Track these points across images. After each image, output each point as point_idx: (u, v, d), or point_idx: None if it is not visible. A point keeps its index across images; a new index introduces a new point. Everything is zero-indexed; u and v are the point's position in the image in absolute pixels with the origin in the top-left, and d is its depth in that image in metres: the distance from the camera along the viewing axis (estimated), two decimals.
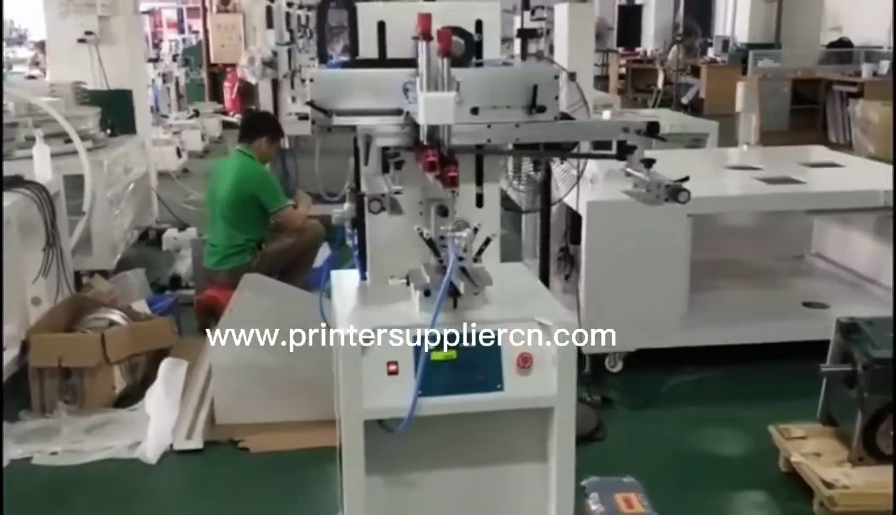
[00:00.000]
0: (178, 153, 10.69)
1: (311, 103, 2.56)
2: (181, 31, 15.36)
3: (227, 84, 15.64)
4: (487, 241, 2.47)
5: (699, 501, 3.34)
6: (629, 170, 2.46)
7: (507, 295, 2.59)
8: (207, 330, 4.35)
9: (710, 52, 18.85)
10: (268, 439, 3.80)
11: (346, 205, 2.92)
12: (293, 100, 7.69)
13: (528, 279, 2.87)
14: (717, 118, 8.35)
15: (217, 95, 16.04)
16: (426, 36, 2.37)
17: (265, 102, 7.52)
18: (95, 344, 4.02)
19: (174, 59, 13.61)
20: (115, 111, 6.84)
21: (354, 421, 2.44)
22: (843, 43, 13.81)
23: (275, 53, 7.27)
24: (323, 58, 2.66)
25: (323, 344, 4.32)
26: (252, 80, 7.40)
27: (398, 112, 2.62)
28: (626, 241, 4.19)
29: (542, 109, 2.60)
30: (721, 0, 20.44)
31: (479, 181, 2.76)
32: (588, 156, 3.52)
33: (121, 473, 3.59)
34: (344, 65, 2.67)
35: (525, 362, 2.46)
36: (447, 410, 2.46)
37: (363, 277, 2.88)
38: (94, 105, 6.52)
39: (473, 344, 2.47)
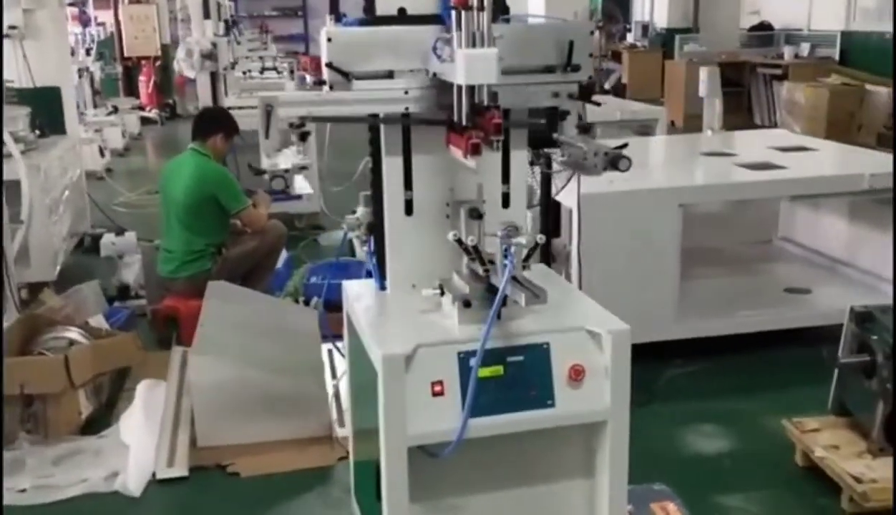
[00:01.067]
0: (101, 152, 10.12)
1: (329, 65, 2.32)
2: (84, 23, 14.62)
3: (142, 78, 14.98)
4: (536, 246, 2.27)
5: (725, 503, 3.23)
6: (563, 138, 2.26)
7: (548, 302, 2.40)
8: (180, 347, 4.06)
9: (630, 38, 19.01)
10: (258, 461, 3.53)
11: (361, 209, 2.69)
12: (225, 93, 7.36)
13: (561, 282, 2.70)
14: (641, 103, 8.35)
15: (132, 90, 15.36)
16: (464, 5, 2.16)
17: (203, 97, 7.16)
18: (58, 366, 3.67)
19: (88, 52, 12.88)
20: (44, 110, 6.37)
21: (398, 448, 2.23)
22: (764, 26, 14.08)
23: (214, 45, 6.90)
24: (337, 16, 2.40)
25: (315, 356, 4.15)
26: (190, 74, 7.02)
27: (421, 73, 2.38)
28: (618, 234, 4.07)
29: (576, 68, 2.41)
30: None
31: (506, 177, 2.57)
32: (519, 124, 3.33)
33: (102, 509, 3.28)
34: (361, 23, 2.43)
35: (577, 375, 2.30)
36: (496, 431, 2.29)
37: (382, 287, 2.66)
38: (22, 104, 6.04)
39: (521, 358, 2.29)
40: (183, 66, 6.92)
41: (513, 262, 2.14)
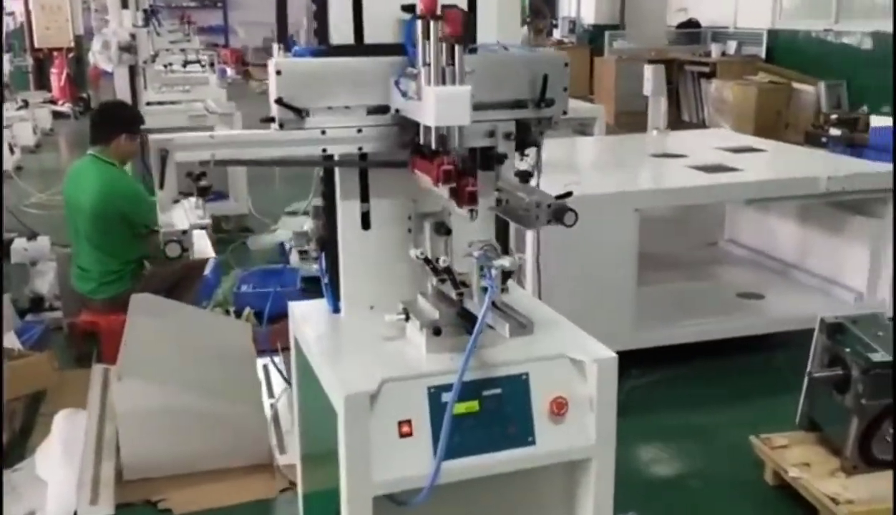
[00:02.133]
0: (11, 149, 9.51)
1: (279, 101, 2.05)
2: None
3: (54, 70, 14.25)
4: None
5: None
6: (500, 184, 2.07)
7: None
8: (101, 365, 3.70)
9: (557, 34, 18.99)
10: (193, 495, 3.22)
11: (310, 223, 2.40)
12: (145, 87, 6.91)
13: (536, 304, 2.46)
14: (578, 100, 8.22)
15: (44, 83, 14.58)
16: (433, 15, 1.91)
17: (122, 91, 6.69)
18: None
19: None
20: None
21: (362, 498, 1.97)
22: (692, 23, 14.17)
23: (133, 36, 6.46)
24: (286, 44, 2.11)
25: (251, 374, 3.84)
26: (107, 67, 6.57)
27: (383, 109, 2.15)
28: (574, 243, 3.84)
29: (550, 103, 2.20)
30: None
31: None
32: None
33: None
34: (314, 54, 2.16)
35: (559, 408, 2.07)
36: (471, 474, 2.04)
37: (335, 309, 2.38)
38: None
39: (498, 391, 2.05)
40: (99, 58, 6.45)
41: (494, 287, 1.89)
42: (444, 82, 1.91)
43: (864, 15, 10.92)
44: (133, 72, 6.60)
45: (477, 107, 1.99)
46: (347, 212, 2.28)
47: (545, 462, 2.09)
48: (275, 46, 2.17)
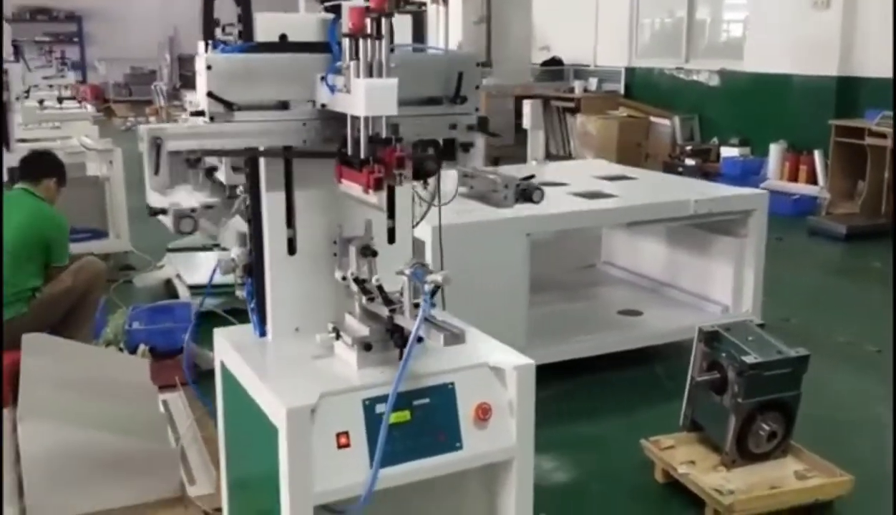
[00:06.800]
0: None
1: (210, 94, 2.13)
2: None
3: None
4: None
5: None
6: (470, 170, 2.27)
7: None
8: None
9: None
10: None
11: (237, 250, 2.49)
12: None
13: (455, 319, 2.62)
14: None
15: None
16: (361, 34, 2.06)
17: None
18: None
19: None
20: None
21: (303, 509, 2.06)
22: (555, 61, 14.84)
23: (5, 71, 6.27)
24: (213, 42, 2.22)
25: (153, 409, 3.80)
26: None
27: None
28: (471, 265, 4.04)
29: (464, 100, 2.39)
30: (433, 19, 21.15)
31: (392, 212, 2.48)
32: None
33: None
34: (242, 50, 2.26)
35: (484, 414, 2.24)
36: (405, 480, 2.18)
37: (262, 333, 2.47)
38: None
39: (428, 400, 2.20)
40: None
41: (429, 302, 2.05)
42: (371, 76, 2.06)
43: (711, 54, 11.81)
44: (4, 108, 6.40)
45: (399, 102, 2.12)
46: (274, 237, 2.38)
47: (472, 464, 2.25)
48: (201, 45, 2.27)
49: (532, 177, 2.12)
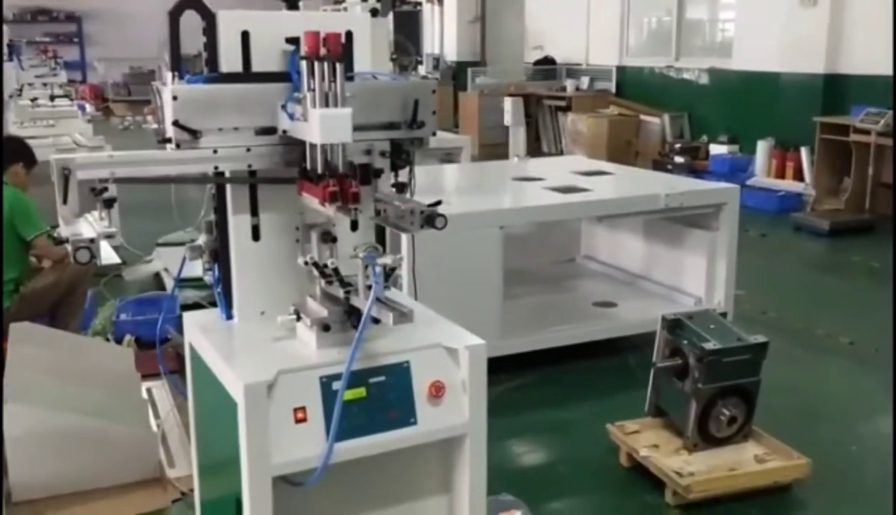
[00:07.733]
0: None
1: (175, 123, 2.26)
2: None
3: None
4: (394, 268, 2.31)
5: (563, 507, 3.42)
6: (378, 196, 2.38)
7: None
8: None
9: (422, 69, 19.51)
10: (84, 511, 3.30)
11: (203, 237, 2.61)
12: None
13: (414, 303, 2.73)
14: (447, 132, 8.66)
15: None
16: (317, 58, 2.19)
17: None
18: None
19: None
20: None
21: (262, 479, 2.18)
22: (548, 60, 14.96)
23: None
24: (179, 72, 2.33)
25: (136, 395, 3.91)
26: None
27: (270, 131, 2.39)
28: (444, 257, 4.16)
29: (421, 125, 2.50)
30: (428, 19, 21.27)
31: (355, 227, 2.59)
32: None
33: None
34: (206, 81, 2.38)
35: (437, 391, 2.35)
36: (360, 453, 2.29)
37: (229, 316, 2.59)
38: None
39: (383, 378, 2.32)
40: None
41: (379, 283, 2.16)
42: (327, 105, 2.19)
43: (700, 53, 11.92)
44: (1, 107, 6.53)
45: (357, 128, 2.26)
46: (239, 225, 2.49)
47: (426, 440, 2.36)
48: (168, 74, 2.38)
49: (439, 203, 2.24)
